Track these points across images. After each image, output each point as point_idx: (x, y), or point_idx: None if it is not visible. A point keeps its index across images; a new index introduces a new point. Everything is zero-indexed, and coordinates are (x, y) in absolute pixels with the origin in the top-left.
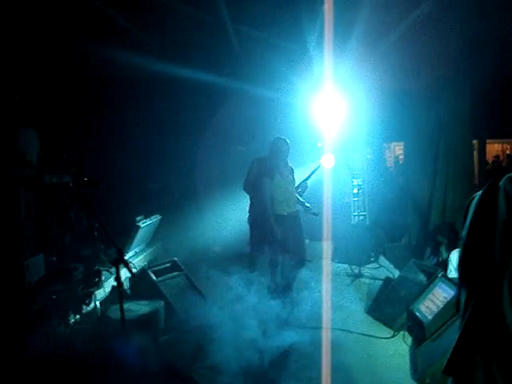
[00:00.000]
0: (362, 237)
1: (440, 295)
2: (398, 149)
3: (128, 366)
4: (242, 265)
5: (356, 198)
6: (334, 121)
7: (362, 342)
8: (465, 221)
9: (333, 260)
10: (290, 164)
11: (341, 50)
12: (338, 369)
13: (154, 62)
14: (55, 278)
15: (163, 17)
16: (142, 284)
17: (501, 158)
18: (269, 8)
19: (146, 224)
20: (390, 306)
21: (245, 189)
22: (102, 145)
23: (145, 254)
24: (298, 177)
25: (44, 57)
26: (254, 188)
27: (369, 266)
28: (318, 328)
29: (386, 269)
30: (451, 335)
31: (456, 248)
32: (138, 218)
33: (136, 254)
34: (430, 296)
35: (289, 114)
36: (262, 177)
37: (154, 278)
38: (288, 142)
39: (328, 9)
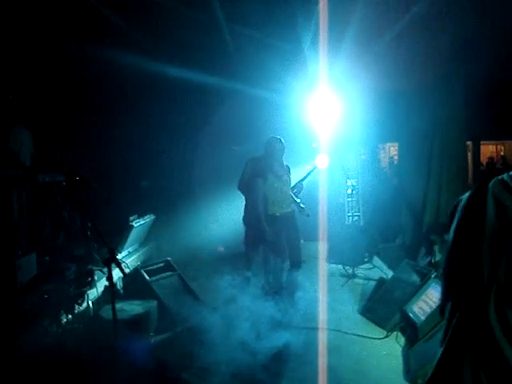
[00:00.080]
0: (356, 237)
1: (433, 296)
2: (393, 149)
3: (120, 366)
4: (237, 265)
5: (350, 199)
6: (328, 121)
7: (355, 342)
8: (451, 223)
9: (327, 260)
10: (286, 163)
11: (335, 50)
12: (330, 369)
13: (148, 61)
14: (47, 277)
15: (156, 15)
16: (135, 284)
17: (495, 159)
18: (263, 7)
19: (139, 224)
20: (383, 307)
21: (239, 188)
22: (96, 144)
23: (138, 253)
24: (293, 177)
25: (38, 56)
26: (248, 188)
27: (363, 266)
28: (311, 328)
29: (379, 269)
30: None
31: None
32: (132, 218)
33: (129, 254)
34: (423, 297)
35: (283, 114)
36: (256, 177)
37: (148, 277)
38: (283, 141)
39: (323, 8)
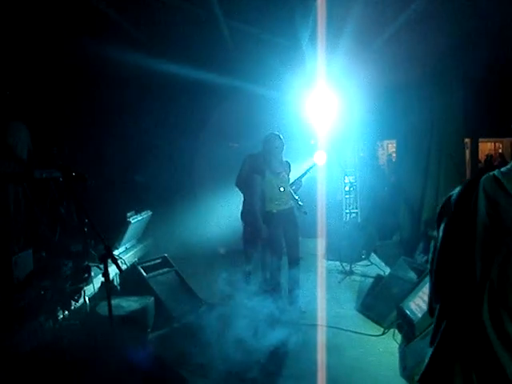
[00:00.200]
0: (354, 234)
1: None
2: (391, 147)
3: (116, 362)
4: (235, 261)
5: (348, 196)
6: (326, 118)
7: (351, 339)
8: (440, 220)
9: (324, 257)
10: (286, 159)
11: (333, 47)
12: (327, 366)
13: (146, 57)
14: (44, 273)
15: (154, 11)
16: (132, 280)
17: (493, 156)
18: (261, 3)
19: (136, 220)
20: (380, 304)
21: (237, 185)
22: (93, 140)
23: (135, 249)
24: (292, 173)
25: (35, 51)
26: (246, 185)
27: (360, 263)
28: (309, 325)
29: (377, 266)
30: None
31: None
32: (129, 214)
33: (126, 250)
34: (420, 294)
35: (282, 110)
36: (253, 174)
37: (144, 274)
38: (282, 137)
39: (321, 5)
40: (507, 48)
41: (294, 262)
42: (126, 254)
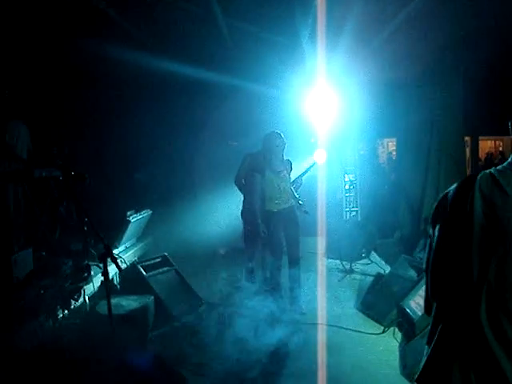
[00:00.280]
0: (354, 233)
1: None
2: (392, 145)
3: (116, 362)
4: (235, 260)
5: (348, 194)
6: (326, 116)
7: (352, 338)
8: (436, 219)
9: (325, 256)
10: (287, 158)
11: (333, 45)
12: (327, 365)
13: (145, 56)
14: (43, 272)
15: (154, 10)
16: (131, 279)
17: (494, 154)
18: (261, 1)
19: (136, 219)
20: (380, 302)
21: (236, 183)
22: (93, 139)
23: (135, 248)
24: (293, 172)
25: (34, 51)
26: (245, 183)
27: (360, 261)
28: (309, 324)
29: (377, 265)
30: None
31: None
32: (129, 213)
33: (126, 249)
34: (421, 292)
35: (281, 109)
36: (253, 172)
37: (144, 273)
38: (283, 136)
39: (321, 3)
40: (507, 46)
41: (295, 261)
42: (125, 253)
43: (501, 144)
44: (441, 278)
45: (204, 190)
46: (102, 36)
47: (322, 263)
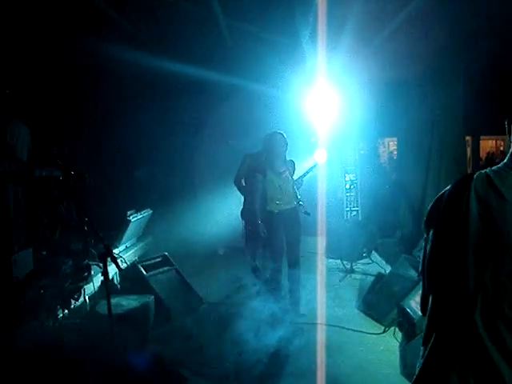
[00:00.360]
0: (355, 232)
1: None
2: (392, 144)
3: (116, 361)
4: (235, 259)
5: (349, 194)
6: (327, 116)
7: (352, 337)
8: (430, 221)
9: (325, 255)
10: (290, 158)
11: (334, 45)
12: (327, 365)
13: (145, 55)
14: (43, 272)
15: (154, 10)
16: (132, 279)
17: (495, 154)
18: (261, 1)
19: (136, 218)
20: (381, 302)
21: (235, 184)
22: (93, 138)
23: (135, 248)
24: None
25: (35, 50)
26: (246, 183)
27: (361, 261)
28: (309, 324)
29: (377, 264)
30: None
31: None
32: (129, 213)
33: (127, 249)
34: (421, 292)
35: (282, 108)
36: (255, 173)
37: (145, 272)
38: (285, 136)
39: (321, 2)
40: (508, 46)
41: (294, 262)
42: (126, 252)
43: (502, 144)
44: (436, 282)
45: (204, 189)
46: (102, 36)
47: (322, 263)
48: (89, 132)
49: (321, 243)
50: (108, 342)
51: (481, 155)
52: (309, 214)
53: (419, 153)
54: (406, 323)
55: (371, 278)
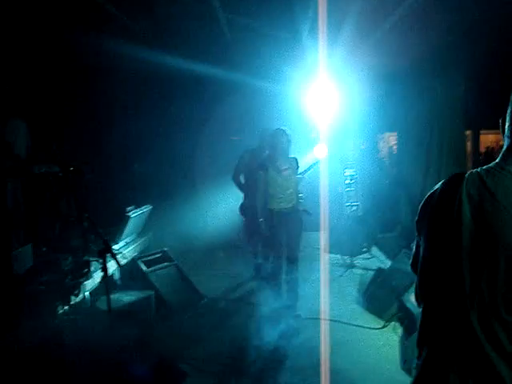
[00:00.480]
0: (355, 227)
1: None
2: (393, 139)
3: (116, 357)
4: (235, 255)
5: (349, 189)
6: (327, 111)
7: (352, 332)
8: (421, 222)
9: (325, 250)
10: (293, 156)
11: (334, 40)
12: (328, 359)
13: (144, 51)
14: (43, 268)
15: (153, 5)
16: (132, 274)
17: (495, 148)
18: None
19: (136, 214)
20: (381, 297)
21: (233, 180)
22: (93, 134)
23: (135, 244)
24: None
25: (33, 46)
26: (245, 180)
27: (361, 256)
28: (309, 318)
29: (378, 259)
30: None
31: None
32: (129, 209)
33: (127, 245)
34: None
35: (282, 104)
36: (257, 170)
37: (145, 268)
38: (288, 133)
39: None
40: (509, 39)
41: (293, 261)
42: (126, 248)
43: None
44: (430, 286)
45: (205, 184)
46: (101, 31)
47: (322, 258)
48: (88, 128)
49: (321, 238)
50: (108, 337)
51: (481, 150)
52: (310, 214)
53: (419, 147)
54: (406, 318)
55: (371, 273)
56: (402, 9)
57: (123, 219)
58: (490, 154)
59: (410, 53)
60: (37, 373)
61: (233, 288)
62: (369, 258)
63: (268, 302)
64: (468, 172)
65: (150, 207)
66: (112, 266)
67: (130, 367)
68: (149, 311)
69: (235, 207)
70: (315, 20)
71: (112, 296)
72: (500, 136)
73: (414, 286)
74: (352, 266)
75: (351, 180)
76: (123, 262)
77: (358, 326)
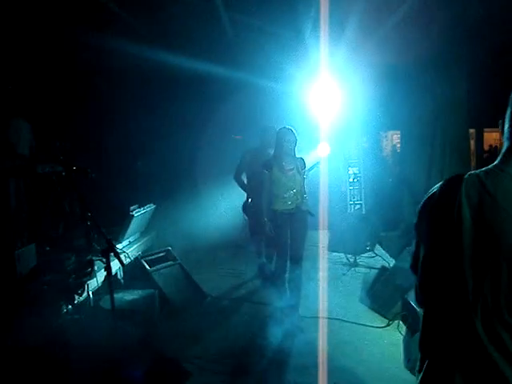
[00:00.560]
0: (358, 226)
1: None
2: (396, 137)
3: (119, 357)
4: (239, 254)
5: (352, 187)
6: (330, 109)
7: (356, 331)
8: (421, 225)
9: (328, 249)
10: (299, 156)
11: (337, 38)
12: (331, 358)
13: (147, 49)
14: (47, 268)
15: (156, 3)
16: (135, 274)
17: (498, 146)
18: None
19: (139, 213)
20: (384, 296)
21: (235, 179)
22: (96, 134)
23: (139, 243)
24: None
25: (35, 45)
26: (248, 180)
27: (364, 255)
28: (313, 317)
29: (381, 258)
30: None
31: None
32: (132, 208)
33: (130, 244)
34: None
35: (285, 102)
36: (261, 169)
37: (148, 267)
38: (294, 132)
39: None
40: None
41: (297, 261)
42: (129, 247)
43: None
44: (432, 290)
45: (208, 183)
46: (103, 30)
47: (326, 257)
48: (91, 127)
49: (325, 237)
50: (111, 336)
51: (485, 148)
52: (313, 215)
53: (422, 146)
54: (409, 317)
55: (375, 272)
56: (405, 6)
57: (126, 218)
58: (494, 152)
59: (413, 51)
60: (40, 372)
61: (236, 287)
62: (372, 257)
63: (272, 301)
64: (467, 174)
65: (153, 206)
66: (115, 266)
67: (133, 366)
68: (152, 310)
69: (238, 206)
70: (318, 18)
71: (115, 295)
72: None
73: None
74: (355, 264)
75: (354, 178)
76: (126, 261)
77: (361, 324)
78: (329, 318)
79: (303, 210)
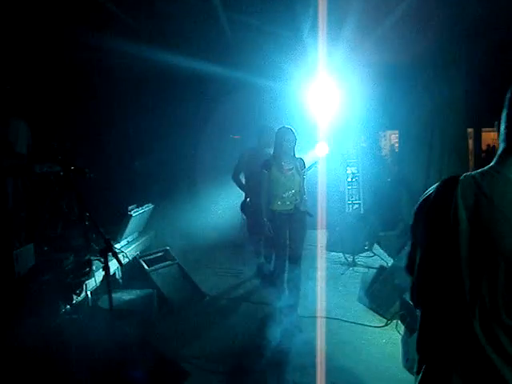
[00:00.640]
0: (356, 225)
1: None
2: (394, 137)
3: (117, 357)
4: (236, 253)
5: (350, 187)
6: (328, 108)
7: (354, 330)
8: (416, 228)
9: (327, 249)
10: (299, 156)
11: (335, 37)
12: (330, 357)
13: (145, 49)
14: (45, 267)
15: (154, 3)
16: (134, 273)
17: (496, 146)
18: None
19: (138, 213)
20: (383, 295)
21: (233, 179)
22: (94, 133)
23: (137, 243)
24: None
25: (34, 45)
26: (246, 179)
27: (363, 254)
28: (311, 317)
29: (380, 257)
30: None
31: None
32: (130, 207)
33: (128, 243)
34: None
35: (283, 102)
36: (260, 169)
37: (146, 267)
38: (294, 131)
39: None
40: (511, 36)
41: (295, 262)
42: (127, 247)
43: None
44: (428, 292)
45: (206, 182)
46: (101, 30)
47: (324, 256)
48: (89, 126)
49: (322, 236)
50: (109, 336)
51: (483, 147)
52: (311, 216)
53: (421, 145)
54: (408, 316)
55: (373, 271)
56: (403, 6)
57: (125, 218)
58: (492, 151)
59: (411, 50)
60: (38, 372)
61: (235, 287)
62: (371, 256)
63: (270, 300)
64: (462, 175)
65: (152, 206)
66: (114, 265)
67: (131, 366)
68: (150, 310)
69: (236, 206)
70: (316, 18)
71: (114, 295)
72: None
73: None
74: (354, 264)
75: (353, 178)
76: (125, 261)
77: (360, 324)
78: (327, 318)
79: (302, 211)
